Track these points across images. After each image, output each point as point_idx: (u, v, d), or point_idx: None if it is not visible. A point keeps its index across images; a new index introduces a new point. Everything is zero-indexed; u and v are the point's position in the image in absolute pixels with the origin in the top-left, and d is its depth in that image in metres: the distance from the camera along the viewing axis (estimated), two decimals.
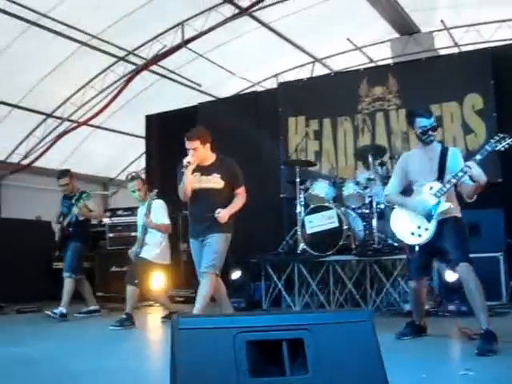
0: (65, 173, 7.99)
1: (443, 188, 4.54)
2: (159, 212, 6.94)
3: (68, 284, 7.42)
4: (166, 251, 7.09)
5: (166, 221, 6.97)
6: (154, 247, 6.94)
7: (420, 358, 4.15)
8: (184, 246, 9.58)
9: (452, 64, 8.88)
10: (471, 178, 4.38)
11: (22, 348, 5.18)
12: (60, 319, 7.19)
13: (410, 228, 4.72)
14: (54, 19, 11.38)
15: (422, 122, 4.76)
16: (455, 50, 13.42)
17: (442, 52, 13.42)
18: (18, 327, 6.97)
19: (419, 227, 4.66)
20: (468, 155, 7.85)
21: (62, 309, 7.27)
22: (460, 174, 4.44)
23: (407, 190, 5.02)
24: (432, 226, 4.58)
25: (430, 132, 4.76)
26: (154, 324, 7.58)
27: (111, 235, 10.07)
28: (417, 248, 4.69)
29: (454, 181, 4.49)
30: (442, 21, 13.57)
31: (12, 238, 10.26)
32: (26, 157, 14.96)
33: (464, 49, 13.38)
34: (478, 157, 4.35)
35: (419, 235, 4.66)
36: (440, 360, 3.95)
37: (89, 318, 7.66)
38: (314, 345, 2.36)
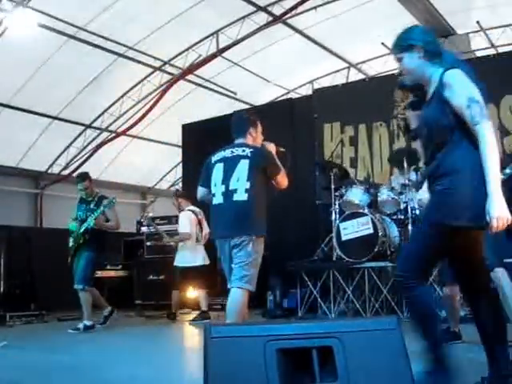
0: (84, 176, 7.55)
1: None
2: None
3: (83, 296, 7.18)
4: None
5: None
6: None
7: (453, 365, 4.10)
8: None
9: (488, 65, 8.75)
10: None
11: (62, 355, 5.29)
12: (87, 331, 7.02)
13: None
14: (91, 32, 11.63)
15: None
16: (492, 52, 13.24)
17: (479, 54, 13.26)
18: (59, 335, 7.11)
19: None
20: (505, 158, 7.76)
21: (85, 322, 7.12)
22: None
23: None
24: None
25: None
26: (189, 331, 7.66)
27: (149, 244, 10.21)
28: None
29: None
30: (477, 22, 13.40)
31: (53, 247, 10.48)
32: (66, 167, 15.26)
33: (501, 50, 13.18)
34: (508, 171, 4.34)
35: None
36: (474, 367, 3.90)
37: (129, 326, 7.75)
38: (343, 352, 2.38)
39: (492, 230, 2.80)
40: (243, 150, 4.63)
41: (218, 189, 4.61)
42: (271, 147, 4.88)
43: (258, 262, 4.49)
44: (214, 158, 4.76)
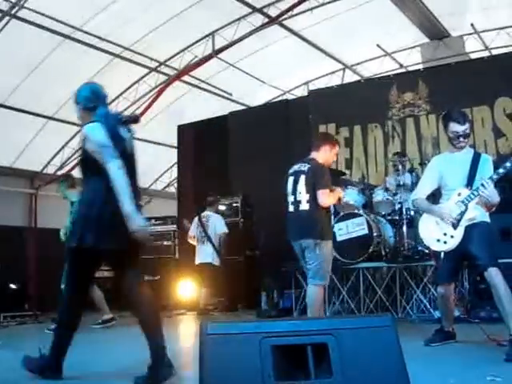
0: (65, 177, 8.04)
1: (471, 195, 4.52)
2: None
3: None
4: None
5: None
6: None
7: (448, 363, 4.13)
8: None
9: (482, 68, 8.82)
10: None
11: None
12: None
13: (436, 235, 4.69)
14: (87, 32, 11.60)
15: (454, 127, 4.71)
16: (486, 54, 13.29)
17: (473, 56, 13.32)
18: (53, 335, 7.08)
19: (445, 234, 4.62)
20: (499, 159, 7.82)
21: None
22: (476, 193, 4.45)
23: (435, 194, 4.99)
24: (458, 232, 4.55)
25: (461, 139, 4.71)
26: (184, 329, 7.67)
27: None
28: (442, 255, 4.66)
29: (473, 197, 4.50)
30: (472, 24, 13.45)
31: (47, 248, 10.47)
32: (61, 167, 15.20)
33: (495, 52, 13.23)
34: (501, 170, 4.36)
35: (444, 242, 4.63)
36: (467, 366, 3.92)
37: (124, 327, 7.73)
38: (338, 349, 2.40)
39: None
40: (304, 166, 5.55)
41: (290, 198, 5.60)
42: (338, 193, 5.68)
43: (327, 259, 5.41)
44: (289, 171, 5.71)
